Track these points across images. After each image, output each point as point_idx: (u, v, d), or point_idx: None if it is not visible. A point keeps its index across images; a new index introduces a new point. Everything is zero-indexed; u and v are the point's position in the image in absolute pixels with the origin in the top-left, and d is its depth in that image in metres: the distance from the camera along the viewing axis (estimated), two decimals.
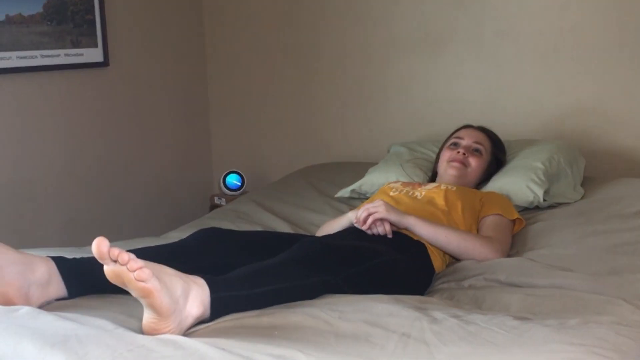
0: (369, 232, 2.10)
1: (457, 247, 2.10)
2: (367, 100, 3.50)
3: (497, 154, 2.66)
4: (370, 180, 2.84)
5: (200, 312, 1.49)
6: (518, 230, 2.35)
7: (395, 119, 3.43)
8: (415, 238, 2.11)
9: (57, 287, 1.69)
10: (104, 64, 3.36)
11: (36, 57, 3.07)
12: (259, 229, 2.61)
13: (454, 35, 3.21)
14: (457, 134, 2.67)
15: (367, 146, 3.52)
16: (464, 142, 2.59)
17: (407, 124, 3.39)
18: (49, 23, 3.09)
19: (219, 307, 1.52)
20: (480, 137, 2.62)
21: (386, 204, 2.11)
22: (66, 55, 3.17)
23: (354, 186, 2.87)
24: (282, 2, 3.67)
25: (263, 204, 2.91)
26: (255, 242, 1.98)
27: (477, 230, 2.28)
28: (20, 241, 3.20)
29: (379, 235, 2.10)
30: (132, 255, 1.39)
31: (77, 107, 3.36)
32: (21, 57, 3.01)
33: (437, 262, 2.09)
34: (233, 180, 3.76)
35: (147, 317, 1.43)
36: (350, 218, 2.21)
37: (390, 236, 2.09)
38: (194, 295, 1.48)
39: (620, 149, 2.93)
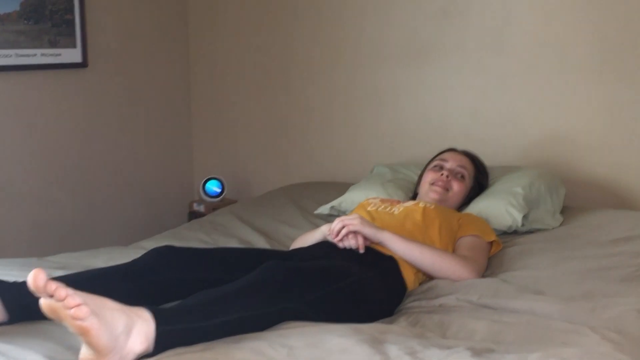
0: (340, 244, 2.14)
1: (432, 265, 2.13)
2: (353, 117, 3.56)
3: (479, 179, 2.72)
4: (350, 198, 2.89)
5: (144, 347, 1.47)
6: (495, 252, 2.40)
7: (379, 138, 3.49)
8: (388, 254, 2.14)
9: None
10: (83, 64, 3.39)
11: (11, 56, 3.10)
12: (234, 241, 2.66)
13: (439, 48, 3.27)
14: (441, 156, 2.72)
15: (351, 164, 3.57)
16: (447, 165, 2.64)
17: (392, 144, 3.45)
18: (25, 22, 3.12)
19: (164, 341, 1.50)
20: (464, 161, 2.67)
21: (361, 217, 2.15)
22: (43, 55, 3.21)
23: (334, 203, 2.93)
24: (269, 10, 3.73)
25: (241, 217, 2.96)
26: (214, 259, 1.98)
27: (453, 251, 2.31)
28: None
29: (349, 250, 2.12)
30: (70, 291, 1.37)
31: (54, 108, 3.39)
32: None
33: (409, 278, 2.13)
34: (213, 186, 3.79)
35: (84, 352, 1.43)
36: (323, 231, 2.25)
37: (362, 251, 2.12)
38: (137, 330, 1.46)
39: (599, 180, 3.00)
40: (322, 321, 1.75)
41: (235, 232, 2.78)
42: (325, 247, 2.15)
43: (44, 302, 1.39)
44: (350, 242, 2.12)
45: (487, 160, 2.81)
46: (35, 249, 3.25)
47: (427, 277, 2.20)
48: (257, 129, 3.89)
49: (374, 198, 2.60)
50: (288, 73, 3.72)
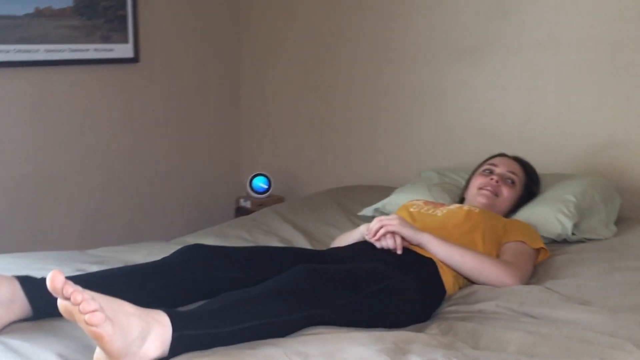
0: (377, 244, 2.12)
1: (473, 269, 2.09)
2: (400, 118, 3.54)
3: (530, 186, 2.66)
4: (395, 201, 2.87)
5: (159, 352, 1.47)
6: (542, 260, 2.33)
7: (428, 141, 3.46)
8: (427, 256, 2.11)
9: (22, 307, 1.68)
10: (135, 60, 3.46)
11: (65, 50, 3.19)
12: (275, 240, 2.67)
13: (490, 46, 3.21)
14: (491, 161, 2.67)
15: (399, 167, 3.55)
16: (497, 170, 2.60)
17: (439, 147, 3.41)
18: (79, 17, 3.22)
19: (180, 346, 1.50)
20: (515, 167, 2.63)
21: (401, 217, 2.12)
22: (96, 50, 3.29)
23: (378, 205, 2.92)
24: (318, 6, 3.73)
25: (284, 216, 2.97)
26: (245, 258, 1.96)
27: (498, 257, 2.26)
28: (38, 236, 3.27)
29: (387, 251, 2.10)
30: (87, 295, 1.38)
31: (105, 102, 3.47)
32: (49, 50, 3.13)
33: (448, 282, 2.09)
34: (259, 182, 3.82)
35: (98, 354, 1.45)
36: (362, 231, 2.23)
37: (399, 252, 2.09)
38: (154, 335, 1.47)
39: None
40: (352, 326, 1.72)
41: (277, 230, 2.78)
42: (363, 248, 2.13)
43: (60, 304, 1.40)
44: (388, 243, 2.09)
45: (539, 167, 2.75)
46: (84, 243, 3.31)
47: (468, 281, 2.16)
48: (306, 127, 3.90)
49: (418, 200, 2.58)
50: (337, 71, 3.72)
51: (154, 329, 1.47)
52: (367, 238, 2.15)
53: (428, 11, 3.37)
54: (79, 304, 1.37)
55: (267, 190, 3.81)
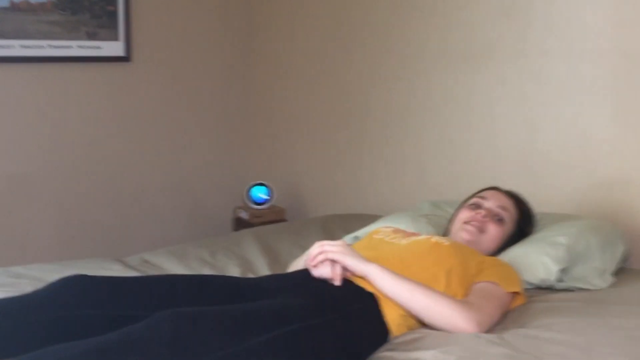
0: (314, 272, 1.94)
1: (423, 308, 1.90)
2: (410, 142, 3.41)
3: (522, 226, 2.46)
4: (374, 228, 2.65)
5: None
6: (517, 306, 2.12)
7: (434, 168, 3.33)
8: (369, 289, 1.91)
9: None
10: (126, 59, 3.37)
11: (43, 47, 3.13)
12: (234, 263, 2.55)
13: (496, 52, 3.05)
14: (481, 194, 2.50)
15: (404, 196, 3.39)
16: (486, 204, 2.41)
17: (446, 177, 3.28)
18: (61, 12, 3.15)
19: None
20: (507, 202, 2.44)
21: (346, 244, 1.96)
22: (80, 47, 3.23)
23: (358, 232, 2.77)
24: (330, 10, 3.63)
25: (260, 237, 2.87)
26: (134, 292, 1.78)
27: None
28: (13, 238, 3.19)
29: (324, 280, 1.93)
30: None
31: (91, 102, 3.39)
32: (25, 47, 3.07)
33: (394, 322, 1.90)
34: (259, 192, 3.66)
35: None
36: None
37: (337, 283, 1.91)
38: None
39: None
40: None
41: (245, 253, 2.67)
42: (299, 277, 1.97)
43: None
44: (324, 272, 1.90)
45: (539, 203, 2.55)
46: (68, 251, 3.25)
47: (421, 324, 1.94)
48: (315, 137, 3.77)
49: (388, 227, 2.39)
50: (350, 83, 3.60)
51: None
52: (306, 264, 1.96)
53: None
54: None
55: (267, 201, 3.64)
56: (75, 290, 1.72)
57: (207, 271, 2.43)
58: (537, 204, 2.55)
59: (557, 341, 1.83)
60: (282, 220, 3.68)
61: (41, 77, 3.19)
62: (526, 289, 2.25)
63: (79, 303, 1.69)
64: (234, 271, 2.45)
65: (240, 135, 3.97)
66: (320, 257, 1.92)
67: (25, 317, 1.66)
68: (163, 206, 3.72)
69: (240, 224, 3.69)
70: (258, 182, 3.69)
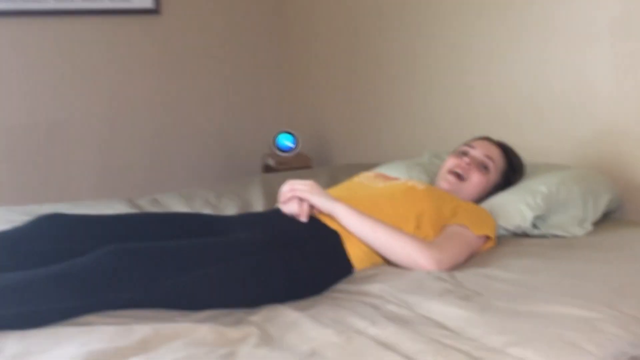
0: (284, 208, 2.11)
1: (385, 246, 2.04)
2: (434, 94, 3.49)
3: (509, 176, 2.55)
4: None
5: None
6: (486, 249, 2.24)
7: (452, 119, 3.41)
8: (333, 227, 2.08)
9: None
10: (155, 11, 3.51)
11: (76, 0, 3.29)
12: (236, 203, 2.72)
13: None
14: (470, 143, 2.58)
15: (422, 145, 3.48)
16: (473, 152, 2.50)
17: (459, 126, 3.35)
18: None
19: None
20: (494, 152, 2.52)
21: (315, 184, 2.11)
22: (111, 0, 3.36)
23: None
24: None
25: (266, 182, 3.01)
26: (103, 227, 1.91)
27: None
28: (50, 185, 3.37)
29: (292, 217, 2.09)
30: None
31: (122, 54, 3.60)
32: (59, 0, 3.26)
33: (357, 257, 2.05)
34: (285, 140, 3.81)
35: None
36: None
37: (303, 219, 2.07)
38: None
39: None
40: (190, 307, 1.67)
41: (245, 195, 2.84)
42: (269, 214, 2.13)
43: None
44: (293, 208, 2.06)
45: (537, 155, 2.61)
46: (106, 194, 3.45)
47: (387, 262, 2.09)
48: (338, 88, 3.91)
49: (371, 172, 2.51)
50: (377, 37, 3.70)
51: None
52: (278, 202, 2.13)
53: None
54: None
55: (294, 149, 3.81)
56: (42, 228, 1.87)
57: (207, 211, 2.61)
58: (536, 154, 2.63)
59: (506, 280, 1.92)
60: (307, 167, 3.85)
61: (74, 30, 3.41)
62: (502, 235, 2.37)
63: (40, 238, 1.83)
64: (232, 213, 2.62)
65: (269, 86, 4.16)
66: (289, 194, 2.09)
67: (10, 248, 1.81)
68: (197, 152, 3.94)
69: (268, 171, 3.87)
70: (284, 130, 3.87)
